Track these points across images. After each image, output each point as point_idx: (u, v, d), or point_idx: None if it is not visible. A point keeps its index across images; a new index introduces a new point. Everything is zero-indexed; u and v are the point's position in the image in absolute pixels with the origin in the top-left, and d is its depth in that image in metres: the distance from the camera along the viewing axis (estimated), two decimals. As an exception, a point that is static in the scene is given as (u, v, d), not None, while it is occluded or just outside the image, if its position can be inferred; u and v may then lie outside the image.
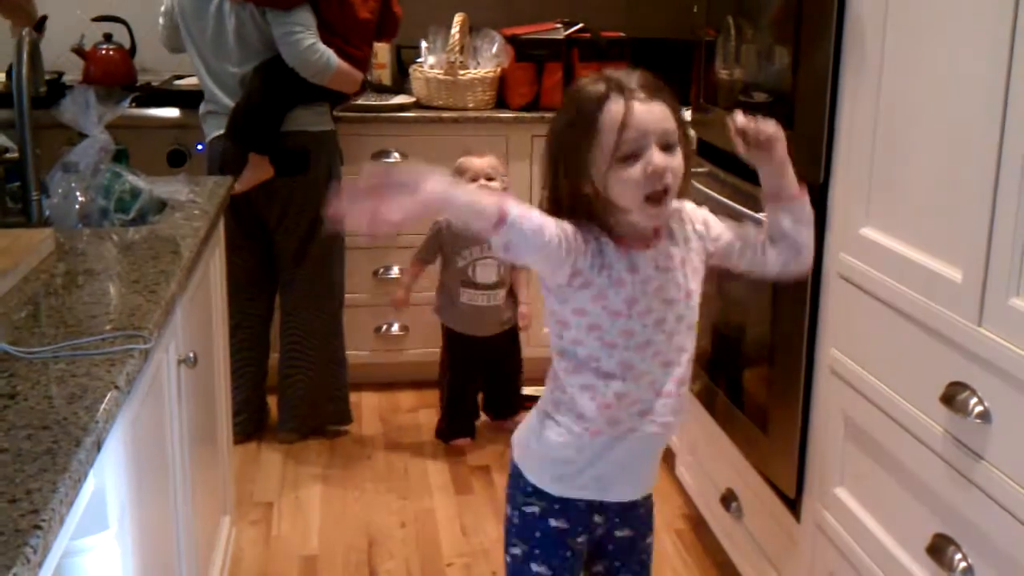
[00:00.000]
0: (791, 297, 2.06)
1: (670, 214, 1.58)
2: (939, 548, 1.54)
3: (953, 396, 1.48)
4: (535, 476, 1.66)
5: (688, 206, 1.65)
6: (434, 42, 3.68)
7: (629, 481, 1.67)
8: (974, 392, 1.45)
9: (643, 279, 1.54)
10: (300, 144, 3.08)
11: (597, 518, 1.69)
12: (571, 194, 1.52)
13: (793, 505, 2.10)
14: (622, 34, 3.78)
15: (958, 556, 1.49)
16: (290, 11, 2.94)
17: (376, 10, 3.14)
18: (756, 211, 2.13)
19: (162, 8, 3.18)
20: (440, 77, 3.60)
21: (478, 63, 3.68)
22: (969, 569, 1.48)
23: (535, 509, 1.66)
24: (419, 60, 3.74)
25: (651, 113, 1.47)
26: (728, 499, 2.45)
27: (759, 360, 2.24)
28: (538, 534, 1.66)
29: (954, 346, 1.50)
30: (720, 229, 1.66)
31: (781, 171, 1.60)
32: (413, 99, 3.68)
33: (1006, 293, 1.38)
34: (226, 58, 3.05)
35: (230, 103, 3.05)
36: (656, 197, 1.48)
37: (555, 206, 1.54)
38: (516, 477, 1.69)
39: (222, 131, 3.07)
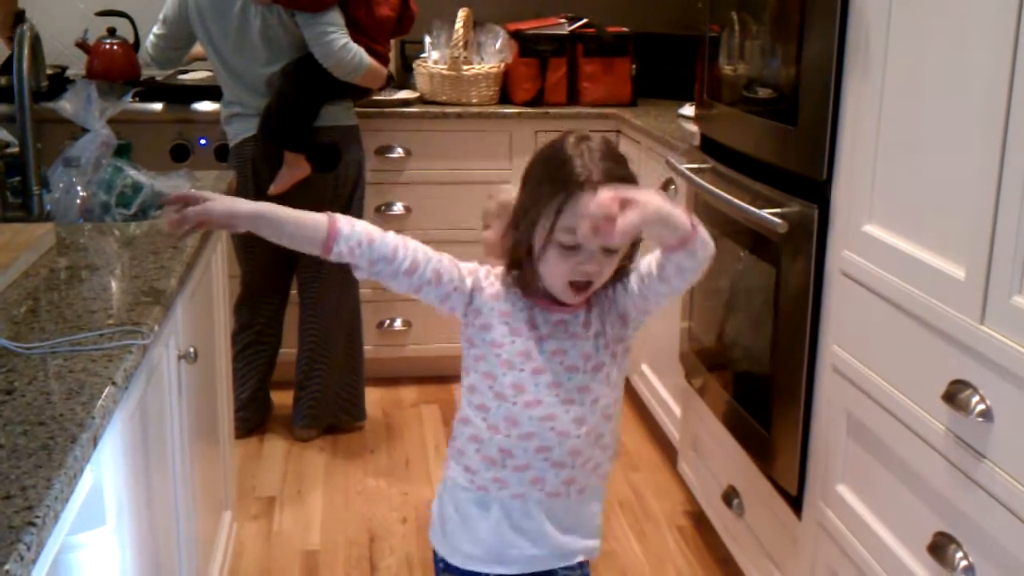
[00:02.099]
0: (793, 294, 2.06)
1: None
2: (940, 546, 1.53)
3: (955, 394, 1.48)
4: (441, 548, 1.65)
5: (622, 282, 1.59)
6: (438, 37, 3.67)
7: (529, 552, 1.60)
8: (976, 390, 1.45)
9: (540, 337, 1.54)
10: (331, 139, 3.09)
11: None
12: (515, 235, 1.54)
13: (795, 502, 2.10)
14: (626, 29, 3.77)
15: (959, 554, 1.49)
16: (321, 13, 2.94)
17: (397, 8, 3.15)
18: (759, 207, 2.13)
19: (161, 15, 3.12)
20: (444, 72, 3.60)
21: (482, 58, 3.67)
22: (970, 568, 1.47)
23: None
24: (423, 55, 3.73)
25: None
26: (730, 496, 2.44)
27: (761, 357, 2.23)
28: None
29: (956, 344, 1.50)
30: (634, 286, 1.57)
31: (666, 223, 1.42)
32: (417, 94, 3.67)
33: (1008, 291, 1.38)
34: (252, 58, 3.03)
35: (259, 104, 3.05)
36: (578, 286, 1.50)
37: (507, 242, 1.56)
38: (433, 552, 1.69)
39: (252, 132, 3.07)
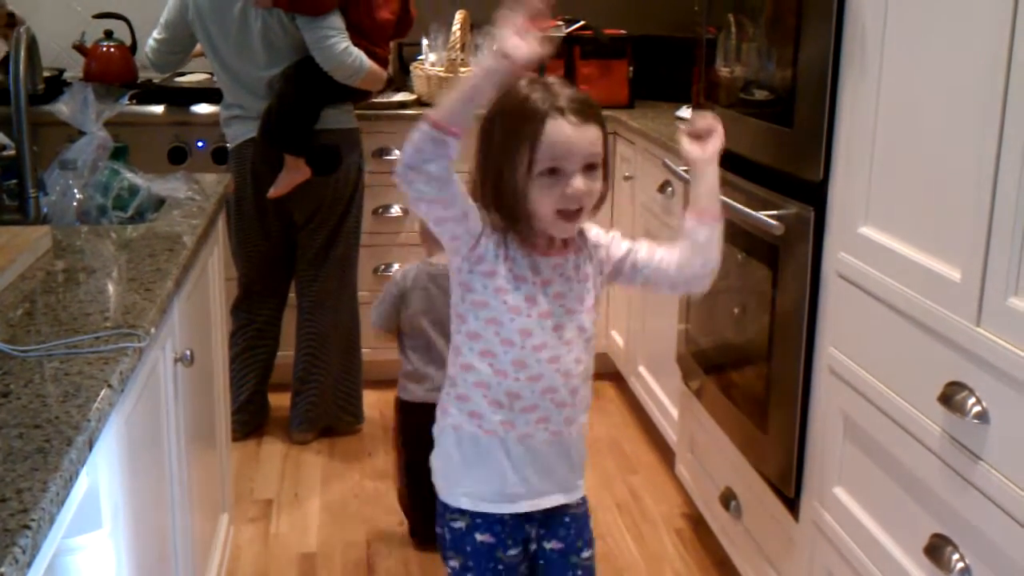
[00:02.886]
0: (790, 296, 2.06)
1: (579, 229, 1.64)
2: (937, 548, 1.53)
3: (951, 396, 1.48)
4: (448, 495, 1.68)
5: (595, 229, 1.69)
6: (435, 40, 3.68)
7: (537, 488, 1.66)
8: (972, 392, 1.45)
9: (544, 281, 1.59)
10: (331, 142, 3.10)
11: (528, 529, 1.68)
12: (494, 187, 1.57)
13: (792, 504, 2.10)
14: (624, 32, 3.77)
15: (955, 556, 1.49)
16: (321, 16, 2.94)
17: (396, 10, 3.15)
18: (756, 209, 2.13)
19: (161, 20, 3.12)
20: (441, 74, 3.60)
21: (479, 60, 3.67)
22: (966, 569, 1.47)
23: (461, 524, 1.68)
24: (420, 58, 3.74)
25: (582, 137, 1.52)
26: (727, 498, 2.44)
27: (758, 359, 2.23)
28: (468, 548, 1.68)
29: (952, 346, 1.50)
30: (618, 248, 1.69)
31: (714, 177, 1.66)
32: (414, 96, 3.68)
33: (1004, 293, 1.38)
34: (252, 61, 3.04)
35: (259, 106, 3.05)
36: (568, 214, 1.54)
37: (477, 195, 1.60)
38: (438, 496, 1.71)
39: (252, 135, 3.07)
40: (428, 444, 2.39)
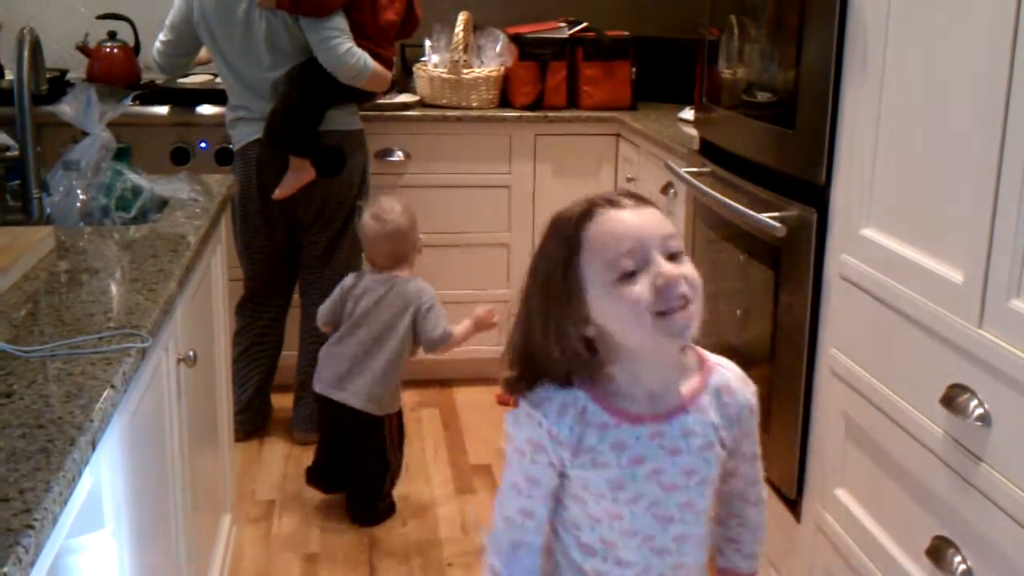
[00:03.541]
0: (792, 298, 2.06)
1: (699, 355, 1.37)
2: (938, 550, 1.53)
3: (953, 398, 1.48)
4: None
5: (722, 369, 1.39)
6: (438, 41, 3.68)
7: None
8: (974, 394, 1.45)
9: (632, 459, 1.29)
10: (335, 143, 3.10)
11: None
12: (556, 338, 1.25)
13: (793, 505, 2.10)
14: (626, 33, 3.77)
15: (957, 559, 1.49)
16: (325, 17, 2.94)
17: (401, 12, 3.16)
18: (758, 211, 2.13)
19: (167, 22, 3.13)
20: (444, 76, 3.60)
21: (482, 62, 3.67)
22: (968, 572, 1.47)
23: None
24: (423, 59, 3.74)
25: (649, 219, 1.24)
26: (729, 499, 2.44)
27: (760, 360, 2.23)
28: None
29: (954, 348, 1.50)
30: (738, 450, 1.38)
31: None
32: (417, 98, 3.68)
33: (1007, 295, 1.38)
34: (256, 63, 3.04)
35: (264, 108, 3.05)
36: (671, 312, 1.21)
37: (533, 367, 1.29)
38: None
39: (256, 136, 3.07)
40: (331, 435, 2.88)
